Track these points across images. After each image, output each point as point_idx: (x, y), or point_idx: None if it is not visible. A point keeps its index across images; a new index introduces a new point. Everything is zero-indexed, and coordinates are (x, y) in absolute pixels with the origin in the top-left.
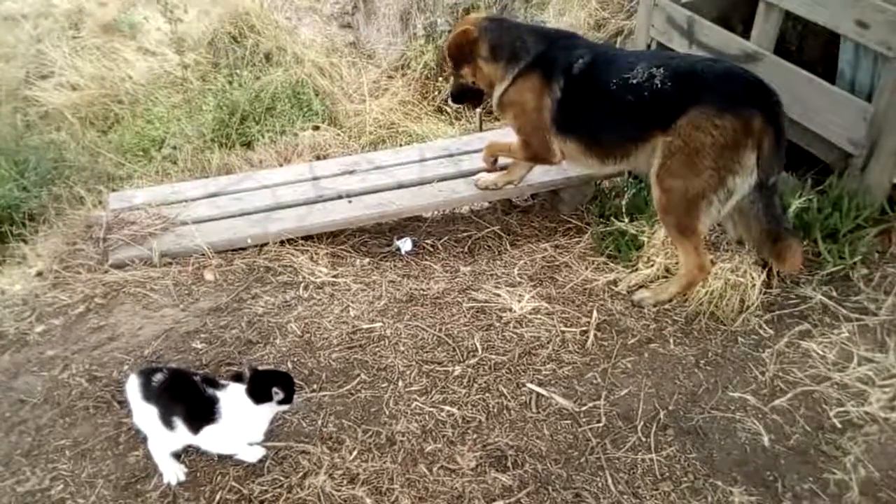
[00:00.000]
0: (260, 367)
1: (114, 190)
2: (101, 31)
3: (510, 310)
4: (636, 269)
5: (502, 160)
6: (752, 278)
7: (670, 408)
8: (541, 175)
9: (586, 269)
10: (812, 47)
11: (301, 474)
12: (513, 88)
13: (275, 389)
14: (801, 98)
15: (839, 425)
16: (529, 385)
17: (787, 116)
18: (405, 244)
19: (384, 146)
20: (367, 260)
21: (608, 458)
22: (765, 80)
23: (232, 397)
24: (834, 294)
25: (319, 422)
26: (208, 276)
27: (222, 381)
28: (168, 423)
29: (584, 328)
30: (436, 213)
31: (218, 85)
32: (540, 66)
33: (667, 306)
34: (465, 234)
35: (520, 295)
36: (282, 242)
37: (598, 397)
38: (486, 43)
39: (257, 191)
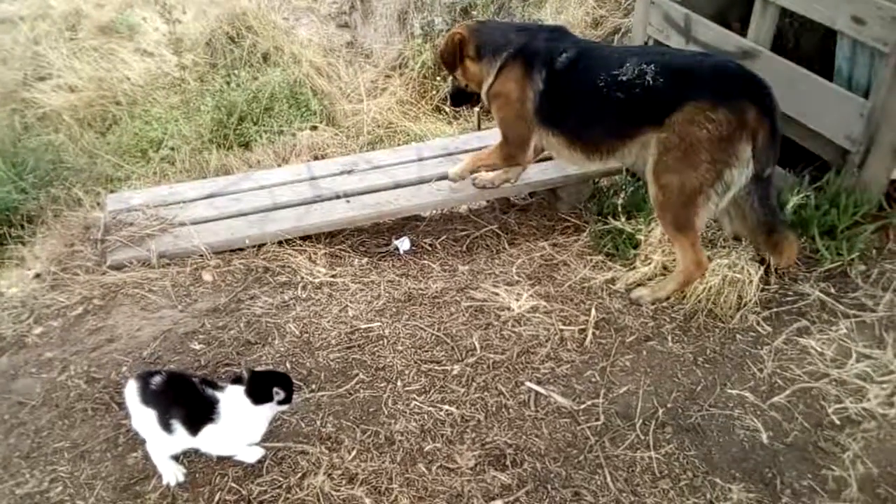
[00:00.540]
0: (258, 368)
1: (112, 191)
2: (98, 32)
3: (508, 308)
4: (634, 268)
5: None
6: (750, 274)
7: (669, 405)
8: (539, 173)
9: (584, 267)
10: (809, 44)
11: (300, 475)
12: (497, 81)
13: (275, 389)
14: (799, 95)
15: (837, 422)
16: (528, 384)
17: (785, 113)
18: (403, 244)
19: (382, 146)
20: (366, 260)
21: (607, 457)
22: (757, 74)
23: (231, 398)
24: (832, 291)
25: (318, 422)
26: (206, 276)
27: (220, 384)
28: (167, 427)
29: (583, 326)
30: (434, 212)
31: (216, 85)
32: (522, 57)
33: (665, 304)
34: (463, 233)
35: (518, 293)
36: (280, 243)
37: (596, 395)
38: (473, 44)
39: (255, 191)
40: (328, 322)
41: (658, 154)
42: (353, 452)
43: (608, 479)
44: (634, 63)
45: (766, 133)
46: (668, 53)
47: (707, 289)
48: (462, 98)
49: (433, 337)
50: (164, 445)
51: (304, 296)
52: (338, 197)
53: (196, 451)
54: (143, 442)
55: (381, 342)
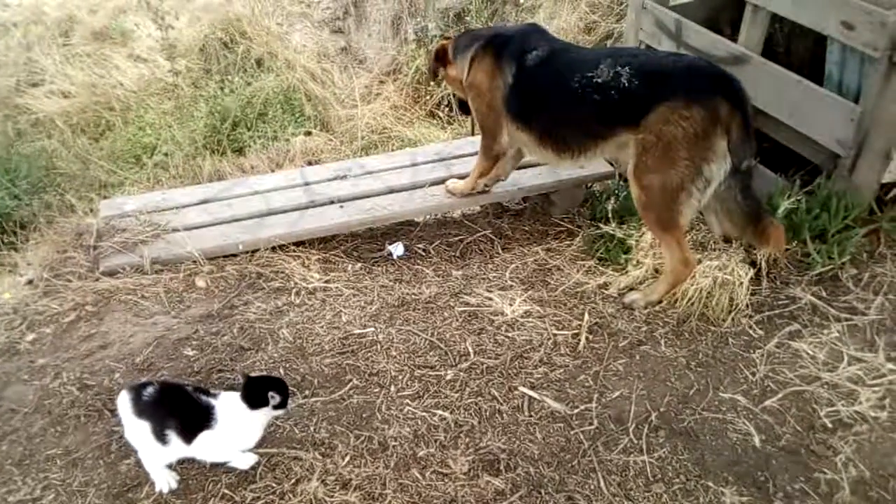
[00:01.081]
0: (252, 374)
1: (105, 197)
2: (92, 38)
3: (502, 313)
4: (626, 272)
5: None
6: (740, 276)
7: (662, 409)
8: (532, 178)
9: (577, 272)
10: (799, 49)
11: (293, 480)
12: (470, 73)
13: (271, 393)
14: (789, 100)
15: (830, 425)
16: (521, 388)
17: (775, 118)
18: (397, 249)
19: (376, 151)
20: (359, 265)
21: (600, 461)
22: (728, 71)
23: (226, 404)
24: (823, 294)
25: (311, 428)
26: (200, 282)
27: (213, 391)
28: (161, 437)
29: (576, 331)
30: (427, 217)
31: (209, 91)
32: (491, 48)
33: (657, 308)
34: (456, 238)
35: (511, 298)
36: (273, 248)
37: (589, 400)
38: (451, 48)
39: (249, 197)
40: (322, 327)
41: (637, 156)
42: (347, 458)
43: (602, 483)
44: (609, 65)
45: (739, 126)
46: (641, 55)
47: (698, 290)
48: (466, 105)
49: (427, 342)
50: (159, 456)
51: (297, 301)
52: (331, 202)
53: (190, 459)
54: (135, 449)
55: (374, 347)
